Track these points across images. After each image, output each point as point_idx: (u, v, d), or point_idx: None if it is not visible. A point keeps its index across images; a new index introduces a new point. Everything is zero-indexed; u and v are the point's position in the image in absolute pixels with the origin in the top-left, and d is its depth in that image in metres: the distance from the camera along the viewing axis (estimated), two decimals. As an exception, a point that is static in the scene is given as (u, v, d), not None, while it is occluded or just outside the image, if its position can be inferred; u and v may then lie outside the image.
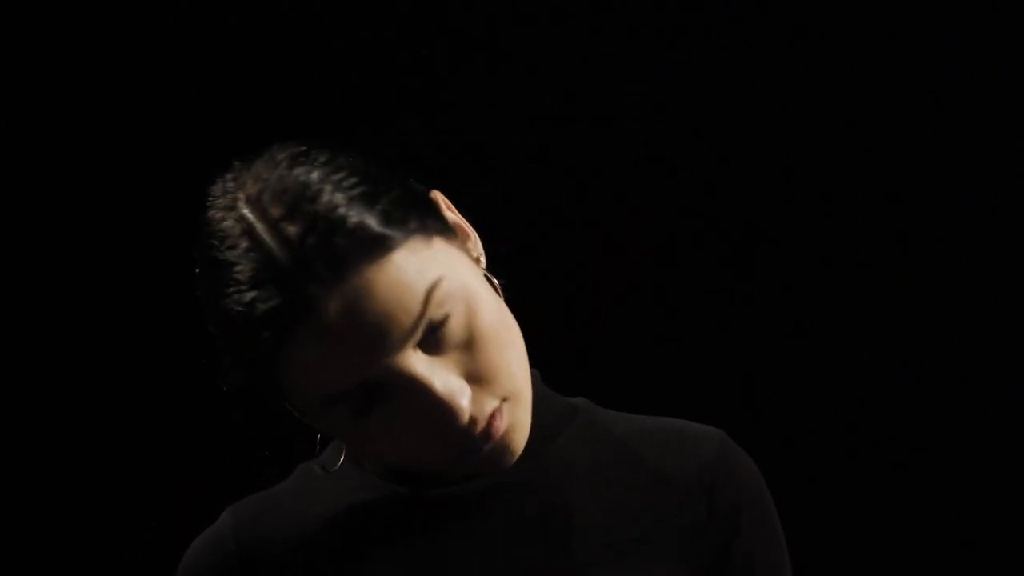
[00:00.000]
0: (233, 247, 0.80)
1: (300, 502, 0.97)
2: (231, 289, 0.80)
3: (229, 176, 0.86)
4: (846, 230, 2.92)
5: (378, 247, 0.80)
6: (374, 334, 0.80)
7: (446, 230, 0.87)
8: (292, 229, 0.78)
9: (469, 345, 0.83)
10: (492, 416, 0.85)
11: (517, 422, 0.86)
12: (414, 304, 0.81)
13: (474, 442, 0.85)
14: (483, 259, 0.89)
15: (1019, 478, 2.83)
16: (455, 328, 0.83)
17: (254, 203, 0.80)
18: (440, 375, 0.81)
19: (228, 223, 0.81)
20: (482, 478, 0.89)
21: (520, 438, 0.86)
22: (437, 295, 0.81)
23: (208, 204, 0.85)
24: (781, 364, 2.90)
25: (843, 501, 2.89)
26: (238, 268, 0.79)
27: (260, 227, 0.79)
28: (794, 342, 2.91)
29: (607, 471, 0.94)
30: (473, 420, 0.84)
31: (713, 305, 2.93)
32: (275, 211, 0.78)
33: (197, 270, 0.87)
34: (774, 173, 2.93)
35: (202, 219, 0.86)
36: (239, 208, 0.81)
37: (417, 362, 0.82)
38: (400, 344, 0.81)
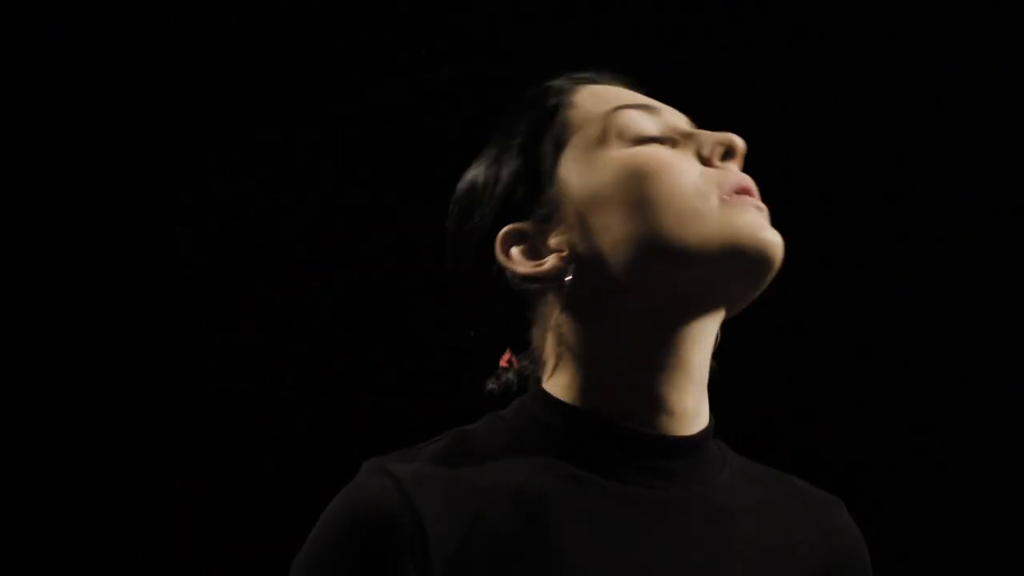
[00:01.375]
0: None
1: (468, 470, 0.88)
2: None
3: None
4: (846, 230, 2.93)
5: None
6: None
7: None
8: None
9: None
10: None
11: None
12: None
13: (744, 198, 0.88)
14: None
15: (1016, 478, 2.84)
16: None
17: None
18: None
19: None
20: (658, 487, 0.88)
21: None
22: None
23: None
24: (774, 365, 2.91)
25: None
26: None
27: None
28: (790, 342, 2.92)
29: (762, 511, 0.94)
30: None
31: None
32: None
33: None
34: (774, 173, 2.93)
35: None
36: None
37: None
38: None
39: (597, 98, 0.97)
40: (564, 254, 0.89)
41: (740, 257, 0.86)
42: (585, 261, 0.89)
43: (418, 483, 0.84)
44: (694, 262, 0.87)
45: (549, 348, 0.90)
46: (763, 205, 0.87)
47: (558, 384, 0.89)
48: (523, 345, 0.94)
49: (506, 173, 0.95)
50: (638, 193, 0.88)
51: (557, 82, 1.00)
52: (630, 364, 0.88)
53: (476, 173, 0.97)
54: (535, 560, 0.84)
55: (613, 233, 0.88)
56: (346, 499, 0.87)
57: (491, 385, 0.93)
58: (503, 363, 0.93)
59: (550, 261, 0.89)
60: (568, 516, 0.86)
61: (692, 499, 0.89)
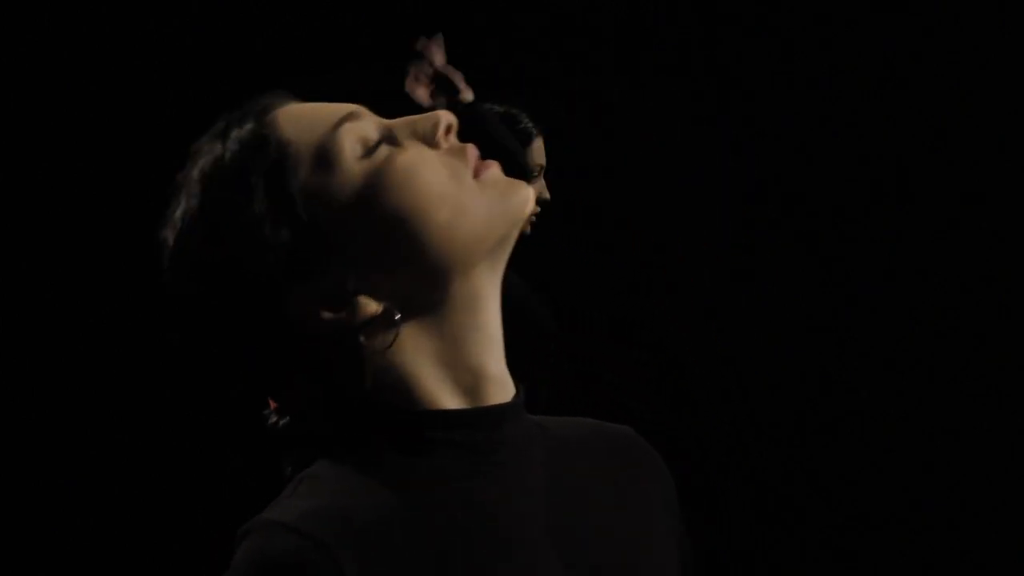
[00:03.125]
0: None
1: (352, 506, 0.86)
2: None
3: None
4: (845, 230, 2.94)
5: None
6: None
7: None
8: None
9: None
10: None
11: None
12: None
13: (479, 155, 0.90)
14: None
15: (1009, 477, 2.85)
16: None
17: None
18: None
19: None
20: (497, 428, 0.90)
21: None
22: None
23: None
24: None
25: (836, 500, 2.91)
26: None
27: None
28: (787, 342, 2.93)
29: (594, 459, 0.96)
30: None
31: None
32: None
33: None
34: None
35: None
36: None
37: None
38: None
39: (299, 123, 0.90)
40: (366, 295, 0.87)
41: (516, 223, 0.87)
42: (384, 289, 0.88)
43: (321, 531, 0.82)
44: (482, 247, 0.88)
45: (364, 374, 0.89)
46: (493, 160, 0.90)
47: (381, 401, 0.89)
48: (318, 382, 0.92)
49: (251, 240, 0.88)
50: (402, 204, 0.87)
51: (247, 126, 0.90)
52: (443, 354, 0.89)
53: (206, 237, 0.89)
54: (449, 565, 0.85)
55: (399, 252, 0.88)
56: (261, 568, 0.83)
57: (276, 419, 0.92)
58: (274, 407, 0.92)
59: (361, 307, 0.87)
60: (455, 517, 0.86)
61: (534, 461, 0.91)
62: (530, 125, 2.02)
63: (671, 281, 2.95)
